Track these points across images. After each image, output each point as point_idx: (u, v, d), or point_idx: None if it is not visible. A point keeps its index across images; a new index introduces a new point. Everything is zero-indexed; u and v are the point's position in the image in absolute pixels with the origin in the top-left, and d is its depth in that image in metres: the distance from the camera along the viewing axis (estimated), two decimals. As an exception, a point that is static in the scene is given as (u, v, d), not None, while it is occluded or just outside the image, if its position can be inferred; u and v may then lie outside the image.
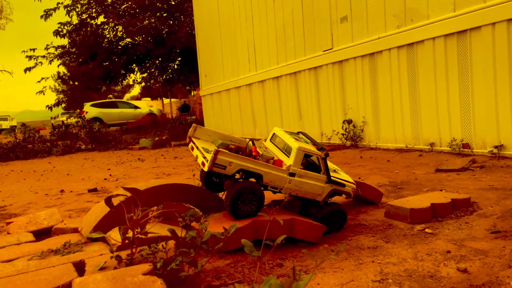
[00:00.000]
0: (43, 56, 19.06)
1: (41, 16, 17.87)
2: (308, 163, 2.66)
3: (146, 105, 27.32)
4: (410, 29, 6.24)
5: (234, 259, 2.25)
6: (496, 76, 5.10)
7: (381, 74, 6.90)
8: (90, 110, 20.90)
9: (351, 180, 2.85)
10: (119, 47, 20.35)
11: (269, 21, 10.11)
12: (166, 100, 32.43)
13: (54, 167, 8.27)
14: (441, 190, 3.63)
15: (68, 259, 1.98)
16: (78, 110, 23.62)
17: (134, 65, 21.52)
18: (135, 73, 22.45)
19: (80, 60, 20.10)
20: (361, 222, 2.90)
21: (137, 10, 19.37)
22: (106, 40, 20.04)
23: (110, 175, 6.51)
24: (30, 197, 4.90)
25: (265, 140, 2.95)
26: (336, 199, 3.03)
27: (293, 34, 9.18)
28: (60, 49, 19.51)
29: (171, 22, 19.96)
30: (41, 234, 2.70)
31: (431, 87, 6.02)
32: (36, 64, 18.65)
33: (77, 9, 18.84)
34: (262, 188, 2.51)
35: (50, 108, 18.98)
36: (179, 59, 21.30)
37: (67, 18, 19.12)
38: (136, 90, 51.97)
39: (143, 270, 1.65)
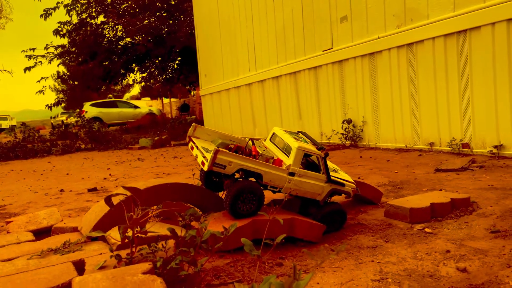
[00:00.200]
0: (43, 56, 19.08)
1: (41, 16, 17.88)
2: (308, 162, 2.66)
3: (146, 105, 27.30)
4: (410, 29, 6.24)
5: (234, 258, 2.25)
6: (495, 76, 5.10)
7: (381, 74, 6.90)
8: (89, 110, 20.89)
9: (350, 180, 2.85)
10: (119, 46, 20.35)
11: (269, 21, 10.11)
12: (165, 100, 32.44)
13: (54, 167, 8.27)
14: (440, 190, 3.63)
15: (67, 258, 1.98)
16: (78, 110, 23.65)
17: (134, 64, 21.53)
18: (135, 73, 22.48)
19: (80, 59, 20.11)
20: (360, 222, 2.90)
21: (137, 10, 19.37)
22: (106, 39, 20.04)
23: (110, 174, 6.51)
24: (30, 197, 4.90)
25: (265, 139, 2.95)
26: (336, 198, 3.04)
27: (293, 34, 9.18)
28: (60, 48, 19.52)
29: (171, 21, 19.97)
30: (40, 233, 2.70)
31: (430, 87, 6.02)
32: (36, 63, 18.68)
33: (77, 9, 18.86)
34: (262, 188, 2.51)
35: (49, 107, 18.95)
36: (179, 58, 21.31)
37: (67, 18, 19.21)
38: (135, 90, 52.03)
39: (142, 269, 1.65)
